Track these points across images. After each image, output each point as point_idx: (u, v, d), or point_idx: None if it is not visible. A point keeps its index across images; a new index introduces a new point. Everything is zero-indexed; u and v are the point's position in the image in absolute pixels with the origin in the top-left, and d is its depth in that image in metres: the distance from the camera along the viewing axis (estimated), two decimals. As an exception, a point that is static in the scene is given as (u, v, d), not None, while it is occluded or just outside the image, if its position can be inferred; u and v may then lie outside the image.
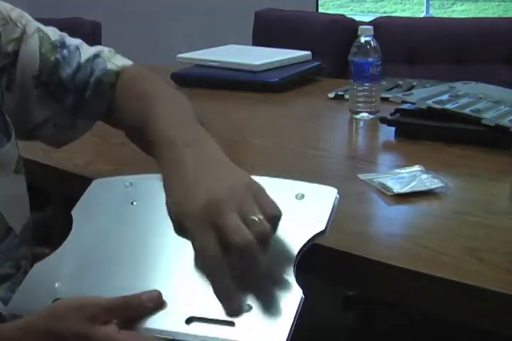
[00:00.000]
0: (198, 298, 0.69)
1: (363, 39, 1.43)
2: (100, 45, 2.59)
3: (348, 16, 2.47)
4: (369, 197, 1.01)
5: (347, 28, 2.33)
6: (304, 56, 1.89)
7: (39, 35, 0.96)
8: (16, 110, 0.93)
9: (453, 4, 8.72)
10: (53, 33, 0.99)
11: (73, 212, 0.82)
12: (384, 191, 1.00)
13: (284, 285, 0.69)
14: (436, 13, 8.36)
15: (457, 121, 1.25)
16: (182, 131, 0.80)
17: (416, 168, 1.07)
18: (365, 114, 1.44)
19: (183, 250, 0.75)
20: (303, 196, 0.77)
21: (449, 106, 1.28)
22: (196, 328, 0.67)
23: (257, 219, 0.67)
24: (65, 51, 0.97)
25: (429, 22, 2.62)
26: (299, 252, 0.71)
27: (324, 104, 1.62)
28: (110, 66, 0.98)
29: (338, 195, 0.77)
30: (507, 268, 0.79)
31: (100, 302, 0.67)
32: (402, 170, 1.07)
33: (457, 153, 1.20)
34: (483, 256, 0.81)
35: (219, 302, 0.68)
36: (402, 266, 0.80)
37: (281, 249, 0.72)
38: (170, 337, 0.67)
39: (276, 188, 0.78)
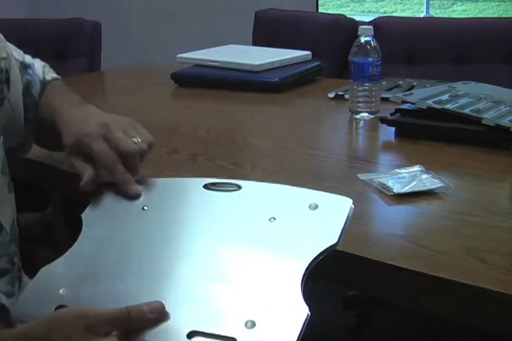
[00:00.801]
0: (201, 312, 0.69)
1: (363, 39, 1.43)
2: (100, 45, 2.59)
3: (348, 16, 2.47)
4: (369, 197, 1.01)
5: (347, 28, 2.33)
6: (304, 56, 1.89)
7: (13, 56, 1.02)
8: (9, 124, 0.98)
9: (453, 4, 8.72)
10: (17, 53, 1.05)
11: (83, 216, 0.82)
12: (384, 191, 1.00)
13: (289, 300, 0.68)
14: (436, 13, 8.36)
15: (457, 121, 1.25)
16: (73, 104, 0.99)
17: (416, 168, 1.07)
18: (365, 114, 1.44)
19: (191, 258, 0.75)
20: (317, 206, 0.76)
21: (449, 106, 1.28)
22: None
23: (136, 140, 0.86)
24: (30, 71, 1.06)
25: (429, 22, 2.62)
26: (308, 266, 0.71)
27: (324, 104, 1.61)
28: (48, 78, 1.09)
29: (353, 206, 0.76)
30: (507, 268, 0.79)
31: (101, 313, 0.67)
32: (402, 170, 1.07)
33: (457, 153, 1.20)
34: (483, 256, 0.81)
35: (222, 318, 0.67)
36: (402, 266, 0.80)
37: (290, 262, 0.71)
38: None
39: (290, 197, 0.79)
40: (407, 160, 1.18)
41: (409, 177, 1.03)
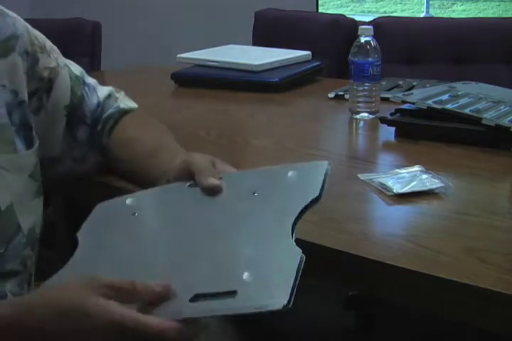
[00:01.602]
0: (200, 276, 0.71)
1: (363, 39, 1.43)
2: (100, 45, 2.59)
3: (348, 16, 2.47)
4: (369, 197, 1.01)
5: (347, 28, 2.33)
6: (304, 56, 1.89)
7: (67, 69, 1.03)
8: (42, 136, 0.98)
9: (453, 4, 8.73)
10: (75, 68, 1.07)
11: (78, 234, 0.83)
12: (384, 191, 1.00)
13: (282, 249, 0.71)
14: (436, 13, 8.37)
15: (457, 121, 1.25)
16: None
17: (416, 168, 1.07)
18: (365, 114, 1.44)
19: (185, 233, 0.78)
20: (295, 175, 0.81)
21: (449, 106, 1.28)
22: (199, 305, 0.67)
23: None
24: (86, 88, 1.07)
25: (429, 22, 2.62)
26: (295, 219, 0.74)
27: (324, 104, 1.61)
28: (122, 106, 1.10)
29: (329, 166, 0.80)
30: (507, 268, 0.79)
31: (104, 279, 0.68)
32: (402, 170, 1.07)
33: (457, 153, 1.20)
34: (483, 256, 0.81)
35: (220, 276, 0.70)
36: (402, 266, 0.80)
37: (279, 218, 0.75)
38: (175, 318, 0.67)
39: (268, 174, 0.84)
40: (407, 160, 1.18)
41: (409, 177, 1.03)
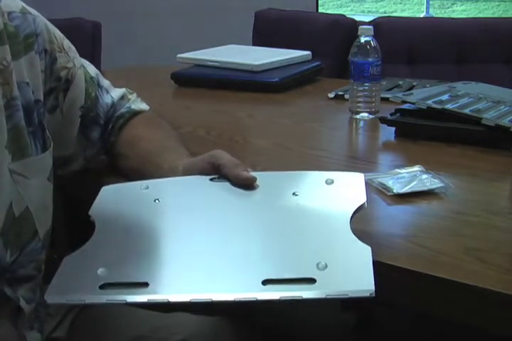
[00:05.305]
0: (272, 263, 0.71)
1: (363, 39, 1.43)
2: (100, 45, 2.59)
3: (348, 16, 2.47)
4: (369, 197, 1.01)
5: (347, 28, 2.33)
6: (304, 56, 1.89)
7: (83, 69, 1.05)
8: (57, 136, 0.98)
9: (453, 4, 8.74)
10: (91, 69, 1.08)
11: (91, 213, 0.82)
12: (384, 191, 1.00)
13: (349, 244, 0.73)
14: (436, 13, 8.38)
15: (457, 121, 1.25)
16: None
17: (416, 168, 1.07)
18: (365, 114, 1.44)
19: (239, 221, 0.79)
20: (332, 181, 0.83)
21: (449, 106, 1.28)
22: (275, 288, 0.68)
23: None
24: (101, 90, 1.07)
25: (429, 22, 2.62)
26: (350, 220, 0.77)
27: (324, 104, 1.61)
28: (133, 107, 1.11)
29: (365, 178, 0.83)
30: (507, 268, 0.79)
31: None
32: (402, 170, 1.07)
33: (457, 153, 1.20)
34: (483, 256, 0.81)
35: (293, 264, 0.71)
36: (402, 266, 0.80)
37: (331, 219, 0.77)
38: (249, 299, 0.67)
39: (304, 177, 0.86)
40: (407, 160, 1.18)
41: (409, 177, 1.03)
